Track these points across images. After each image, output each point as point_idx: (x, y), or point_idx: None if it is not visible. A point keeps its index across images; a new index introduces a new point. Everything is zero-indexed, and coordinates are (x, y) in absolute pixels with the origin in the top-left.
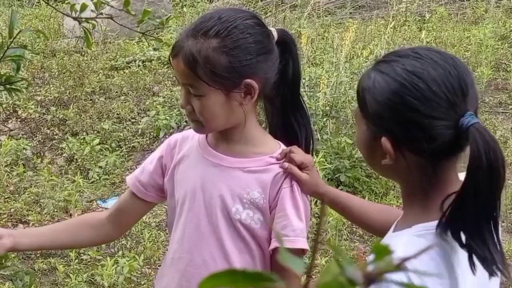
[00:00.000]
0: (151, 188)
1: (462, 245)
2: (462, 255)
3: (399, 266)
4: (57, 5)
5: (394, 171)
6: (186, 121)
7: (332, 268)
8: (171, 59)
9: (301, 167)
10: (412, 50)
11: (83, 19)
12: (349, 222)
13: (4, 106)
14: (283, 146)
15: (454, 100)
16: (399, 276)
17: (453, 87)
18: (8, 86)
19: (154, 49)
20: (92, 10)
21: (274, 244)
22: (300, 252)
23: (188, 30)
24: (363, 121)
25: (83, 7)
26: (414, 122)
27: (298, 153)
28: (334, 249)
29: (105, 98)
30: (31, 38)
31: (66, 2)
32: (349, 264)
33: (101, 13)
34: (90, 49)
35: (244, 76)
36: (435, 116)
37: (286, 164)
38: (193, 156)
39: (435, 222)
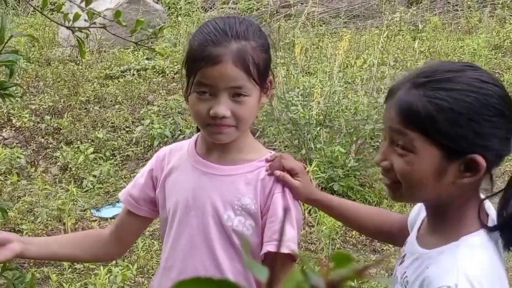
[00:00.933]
0: (142, 201)
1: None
2: (500, 255)
3: (361, 273)
4: (51, 14)
5: (458, 189)
6: (180, 130)
7: (296, 275)
8: (205, 69)
9: (291, 173)
10: (457, 65)
11: (76, 29)
12: (342, 231)
13: None
14: (273, 153)
15: None
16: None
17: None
18: (2, 91)
19: (147, 59)
20: (85, 20)
21: (265, 248)
22: (289, 258)
23: (219, 36)
24: (428, 146)
25: (76, 16)
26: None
27: (288, 159)
28: (300, 257)
29: (99, 107)
30: (26, 47)
31: (60, 11)
32: (312, 272)
33: (94, 23)
34: (84, 58)
35: (269, 73)
36: None
37: (278, 172)
38: (183, 166)
39: (481, 230)
